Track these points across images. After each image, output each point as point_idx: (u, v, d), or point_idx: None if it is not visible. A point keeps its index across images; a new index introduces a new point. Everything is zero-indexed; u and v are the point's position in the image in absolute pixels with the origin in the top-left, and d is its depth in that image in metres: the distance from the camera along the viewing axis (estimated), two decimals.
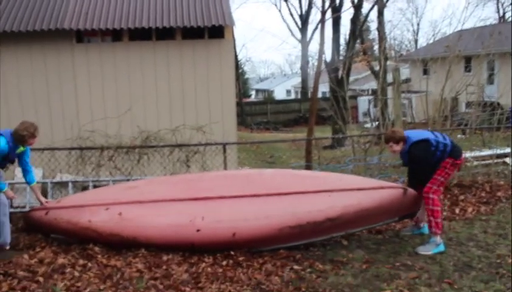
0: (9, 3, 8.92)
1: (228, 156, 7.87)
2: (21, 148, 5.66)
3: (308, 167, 9.25)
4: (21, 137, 5.49)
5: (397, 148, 5.60)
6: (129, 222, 5.53)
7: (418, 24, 55.84)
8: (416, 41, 45.51)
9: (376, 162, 9.15)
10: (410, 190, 5.68)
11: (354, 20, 20.53)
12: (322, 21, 9.84)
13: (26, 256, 5.44)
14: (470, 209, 7.29)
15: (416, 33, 48.26)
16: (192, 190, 5.85)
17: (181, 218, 5.49)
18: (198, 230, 5.36)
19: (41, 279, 4.90)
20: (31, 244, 5.90)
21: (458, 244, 5.77)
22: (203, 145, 8.05)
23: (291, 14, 50.14)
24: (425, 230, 5.98)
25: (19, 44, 8.51)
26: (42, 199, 6.07)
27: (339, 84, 15.33)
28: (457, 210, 7.28)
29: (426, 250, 5.48)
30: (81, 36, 8.83)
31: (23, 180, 7.54)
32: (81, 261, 5.22)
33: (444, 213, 6.93)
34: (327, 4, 11.48)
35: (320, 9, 10.47)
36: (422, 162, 5.55)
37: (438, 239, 5.54)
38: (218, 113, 8.86)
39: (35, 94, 8.64)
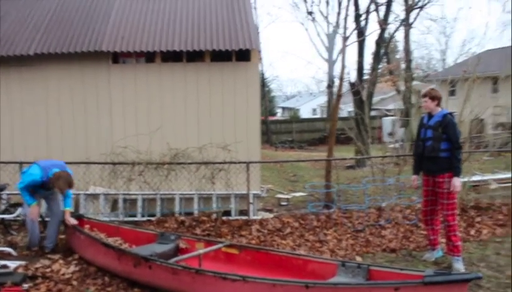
0: (52, 28, 9.60)
1: (251, 174, 8.27)
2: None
3: (327, 186, 9.55)
4: (54, 186, 6.27)
5: (431, 105, 5.86)
6: None
7: (446, 43, 55.37)
8: (443, 61, 45.10)
9: (392, 182, 9.36)
10: None
11: (379, 42, 20.65)
12: (343, 48, 10.17)
13: (62, 261, 5.93)
14: (485, 231, 7.44)
15: (444, 52, 47.89)
16: None
17: None
18: None
19: (74, 283, 5.36)
20: (67, 250, 6.40)
21: (469, 264, 5.98)
22: (227, 163, 8.48)
23: (318, 34, 50.77)
24: (440, 253, 6.27)
25: (60, 64, 9.12)
26: (71, 221, 6.38)
27: (361, 105, 15.56)
28: (472, 232, 7.44)
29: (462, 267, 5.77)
30: (117, 58, 9.36)
31: None
32: None
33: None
34: (351, 29, 11.78)
35: (343, 35, 10.79)
36: (454, 133, 5.69)
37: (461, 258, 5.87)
38: (243, 133, 9.16)
39: (74, 110, 9.19)
